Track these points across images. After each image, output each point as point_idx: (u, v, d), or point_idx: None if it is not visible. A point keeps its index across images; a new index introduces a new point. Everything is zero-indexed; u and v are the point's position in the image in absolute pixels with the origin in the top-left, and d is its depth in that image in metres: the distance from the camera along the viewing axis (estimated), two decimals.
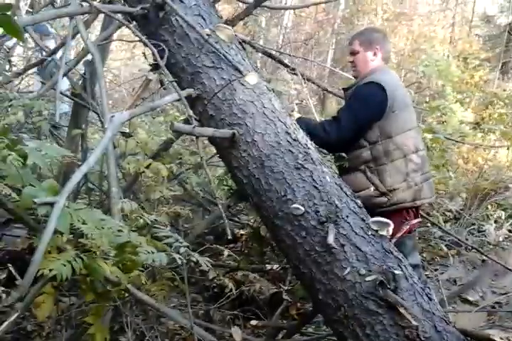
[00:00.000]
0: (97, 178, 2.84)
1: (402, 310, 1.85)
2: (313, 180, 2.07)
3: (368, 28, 3.45)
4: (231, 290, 2.13)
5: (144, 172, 2.20)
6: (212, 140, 2.27)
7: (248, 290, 2.68)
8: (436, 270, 3.98)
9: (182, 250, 1.53)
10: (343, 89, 2.85)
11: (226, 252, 2.07)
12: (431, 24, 12.43)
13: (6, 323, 1.23)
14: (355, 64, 2.65)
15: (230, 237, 1.79)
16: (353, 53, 2.64)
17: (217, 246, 2.19)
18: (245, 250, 2.83)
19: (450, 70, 8.48)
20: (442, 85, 8.18)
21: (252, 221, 2.99)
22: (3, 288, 1.44)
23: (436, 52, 9.94)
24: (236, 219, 3.54)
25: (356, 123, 2.45)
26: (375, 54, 2.60)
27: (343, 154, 2.57)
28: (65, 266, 1.34)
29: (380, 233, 2.04)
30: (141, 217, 1.62)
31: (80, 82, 2.83)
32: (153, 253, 1.42)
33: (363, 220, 2.05)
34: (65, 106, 3.97)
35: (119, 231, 1.42)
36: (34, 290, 1.43)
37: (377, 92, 2.45)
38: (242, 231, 3.05)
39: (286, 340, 2.46)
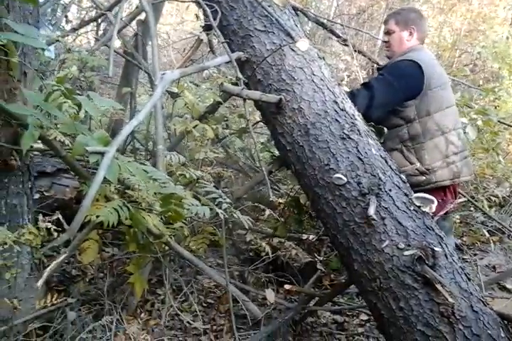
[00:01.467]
0: (143, 138, 2.88)
1: (438, 287, 1.81)
2: (358, 151, 2.03)
3: (404, 7, 3.31)
4: (267, 254, 2.15)
5: (190, 132, 2.21)
6: (258, 105, 2.25)
7: (283, 256, 2.70)
8: (475, 255, 3.89)
9: (225, 206, 1.55)
10: (377, 68, 2.77)
11: (267, 212, 2.07)
12: (492, 4, 11.76)
13: (54, 262, 1.29)
14: (390, 44, 2.59)
15: (271, 199, 1.79)
16: (389, 33, 2.58)
17: (259, 204, 2.18)
18: (283, 218, 2.83)
19: (508, 53, 8.06)
20: (498, 68, 7.80)
21: (291, 190, 2.97)
22: (55, 227, 1.51)
23: (495, 34, 9.44)
24: (275, 187, 3.54)
25: (388, 95, 2.36)
26: (410, 34, 2.54)
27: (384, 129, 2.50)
28: (111, 213, 1.38)
29: (423, 209, 1.99)
30: (187, 172, 1.64)
31: (132, 41, 2.85)
32: (197, 206, 1.45)
33: (406, 195, 2.00)
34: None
35: (165, 183, 1.44)
36: (81, 235, 1.49)
37: (413, 69, 2.37)
38: (280, 200, 3.05)
39: (317, 307, 2.47)
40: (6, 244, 1.42)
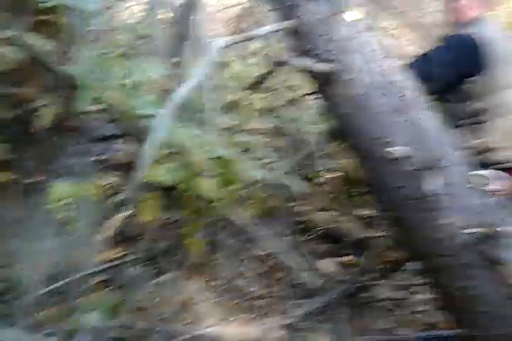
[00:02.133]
0: (193, 108, 2.87)
1: (502, 267, 1.72)
2: (415, 124, 1.93)
3: None
4: (322, 226, 2.10)
5: (239, 102, 2.17)
6: (309, 76, 2.18)
7: (339, 229, 2.67)
8: None
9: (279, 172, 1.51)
10: (441, 40, 2.66)
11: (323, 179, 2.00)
12: None
13: (115, 218, 1.29)
14: (457, 10, 2.43)
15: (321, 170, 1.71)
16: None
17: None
18: (334, 192, 2.78)
19: None
20: None
21: (343, 164, 2.90)
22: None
23: None
24: (327, 161, 3.46)
25: (447, 69, 2.26)
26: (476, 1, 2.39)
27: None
28: (167, 174, 1.37)
29: (480, 187, 1.89)
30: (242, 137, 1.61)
31: (180, 11, 2.82)
32: (252, 170, 1.41)
33: (466, 172, 1.89)
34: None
35: (218, 147, 1.42)
36: (139, 195, 1.48)
37: (473, 44, 2.26)
38: (333, 175, 2.98)
39: (374, 282, 2.44)
40: (70, 197, 1.44)
